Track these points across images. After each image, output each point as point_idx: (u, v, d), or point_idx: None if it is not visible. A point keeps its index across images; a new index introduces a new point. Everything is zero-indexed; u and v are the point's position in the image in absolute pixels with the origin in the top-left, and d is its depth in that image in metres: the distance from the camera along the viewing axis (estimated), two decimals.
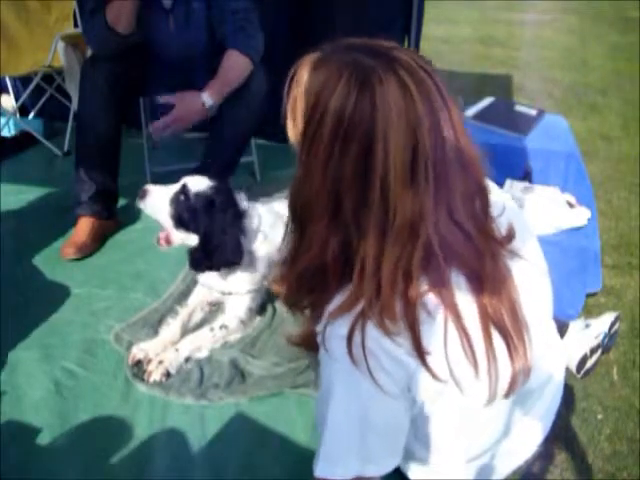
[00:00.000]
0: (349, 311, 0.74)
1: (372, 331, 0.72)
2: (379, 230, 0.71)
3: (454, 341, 0.75)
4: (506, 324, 0.77)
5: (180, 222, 1.62)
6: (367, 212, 0.71)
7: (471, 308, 0.76)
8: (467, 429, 0.89)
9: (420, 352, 0.72)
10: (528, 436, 1.01)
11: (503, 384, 0.80)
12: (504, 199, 0.89)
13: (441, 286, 0.73)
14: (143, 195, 1.63)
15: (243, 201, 1.70)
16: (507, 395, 0.81)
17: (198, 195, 1.60)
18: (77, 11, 3.07)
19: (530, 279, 0.86)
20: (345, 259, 0.75)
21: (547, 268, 0.94)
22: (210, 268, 1.66)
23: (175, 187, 1.62)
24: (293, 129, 0.80)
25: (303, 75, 0.77)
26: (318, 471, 0.80)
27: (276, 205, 1.90)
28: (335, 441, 0.79)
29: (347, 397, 0.77)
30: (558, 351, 1.09)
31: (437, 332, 0.73)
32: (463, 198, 0.74)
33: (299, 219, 0.81)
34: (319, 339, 0.78)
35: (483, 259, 0.76)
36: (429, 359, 0.73)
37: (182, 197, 1.60)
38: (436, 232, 0.71)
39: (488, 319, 0.76)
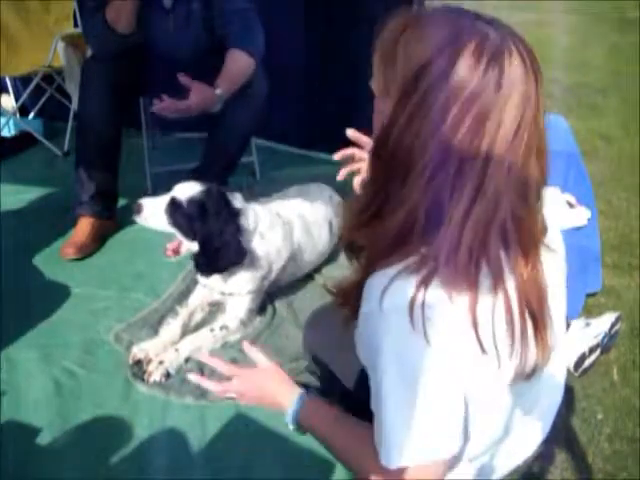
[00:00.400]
0: (418, 271, 0.74)
1: (435, 292, 0.72)
2: (472, 195, 0.73)
3: (500, 312, 0.76)
4: (534, 309, 0.79)
5: (179, 230, 1.63)
6: (466, 176, 0.73)
7: (511, 284, 0.77)
8: (473, 422, 0.89)
9: (474, 317, 0.73)
10: (528, 436, 1.01)
11: (529, 365, 0.80)
12: None
13: (497, 257, 0.75)
14: (138, 210, 1.63)
15: (237, 200, 1.70)
16: (528, 378, 0.81)
17: (191, 201, 1.60)
18: (77, 11, 3.07)
19: (552, 272, 0.88)
20: (428, 219, 0.75)
21: (565, 266, 0.96)
22: (216, 271, 1.66)
23: (167, 196, 1.63)
24: (386, 83, 0.77)
25: (410, 32, 0.75)
26: (388, 460, 0.77)
27: (274, 205, 1.90)
28: (399, 421, 0.76)
29: (401, 366, 0.75)
30: (561, 350, 1.09)
31: (487, 299, 0.74)
32: (531, 180, 0.77)
33: (390, 174, 0.78)
34: (375, 293, 0.76)
35: (529, 242, 0.78)
36: (479, 326, 0.74)
37: (175, 205, 1.60)
38: (511, 205, 0.74)
39: (523, 298, 0.77)
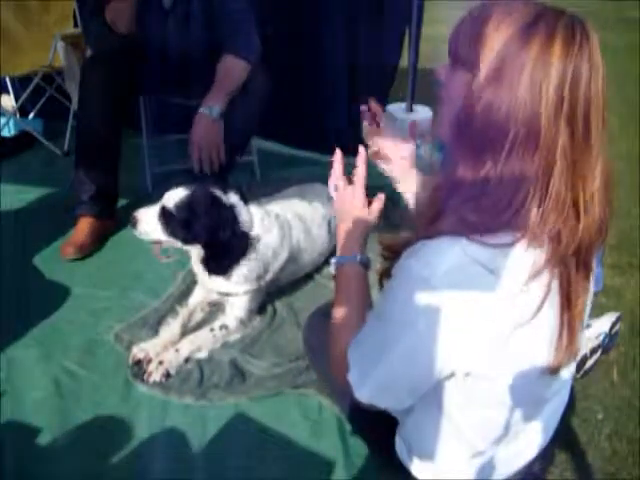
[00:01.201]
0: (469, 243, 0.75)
1: (475, 269, 0.74)
2: (546, 177, 0.74)
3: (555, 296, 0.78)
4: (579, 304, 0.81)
5: (175, 237, 1.62)
6: (543, 154, 0.74)
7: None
8: (476, 417, 0.90)
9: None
10: (532, 438, 1.01)
11: (558, 360, 0.82)
12: None
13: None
14: (134, 223, 1.62)
15: (230, 198, 1.69)
16: (552, 373, 0.83)
17: (179, 207, 1.58)
18: (77, 11, 3.07)
19: None
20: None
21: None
22: (226, 267, 1.66)
23: (159, 205, 1.61)
24: (474, 60, 0.78)
25: (497, 15, 0.77)
26: (350, 375, 0.87)
27: (273, 206, 1.90)
28: (381, 365, 0.84)
29: (415, 322, 0.78)
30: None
31: (543, 280, 0.76)
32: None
33: (469, 144, 0.80)
34: (425, 251, 0.78)
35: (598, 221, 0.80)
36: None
37: (166, 214, 1.59)
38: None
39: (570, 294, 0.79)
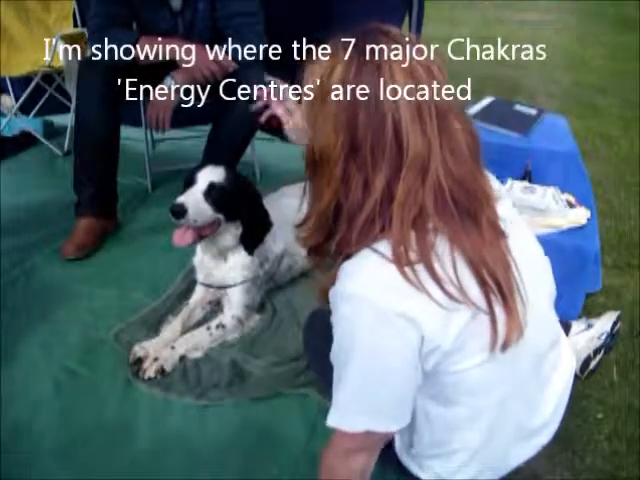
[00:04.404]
0: (370, 258, 0.79)
1: (390, 277, 0.77)
2: (393, 165, 0.78)
3: (464, 274, 0.79)
4: (498, 276, 0.81)
5: (223, 213, 1.65)
6: (381, 149, 0.78)
7: (467, 251, 0.80)
8: (449, 412, 0.91)
9: (436, 278, 0.77)
10: (535, 435, 1.01)
11: (501, 336, 0.82)
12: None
13: (449, 224, 0.79)
14: (182, 212, 1.55)
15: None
16: (504, 348, 0.83)
17: (224, 182, 1.63)
18: (77, 11, 3.07)
19: (526, 246, 0.92)
20: (362, 203, 0.80)
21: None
22: (259, 243, 1.72)
23: (198, 186, 1.61)
24: None
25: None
26: (329, 420, 0.86)
27: (268, 199, 1.91)
28: (348, 394, 0.85)
29: (368, 351, 0.80)
30: (565, 346, 1.10)
31: (447, 265, 0.78)
32: (463, 142, 0.81)
33: (315, 164, 0.85)
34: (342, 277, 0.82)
35: (480, 203, 0.82)
36: (444, 285, 0.77)
37: (216, 190, 1.61)
38: (443, 166, 0.78)
39: (482, 264, 0.80)
